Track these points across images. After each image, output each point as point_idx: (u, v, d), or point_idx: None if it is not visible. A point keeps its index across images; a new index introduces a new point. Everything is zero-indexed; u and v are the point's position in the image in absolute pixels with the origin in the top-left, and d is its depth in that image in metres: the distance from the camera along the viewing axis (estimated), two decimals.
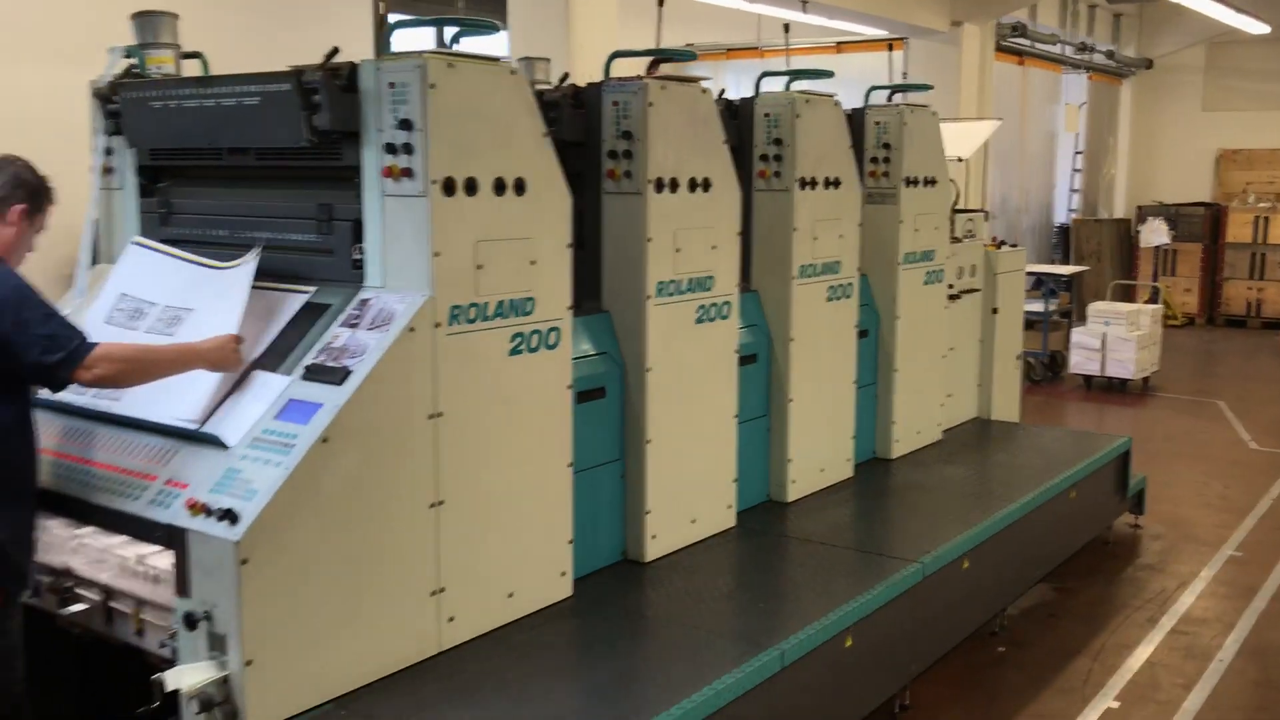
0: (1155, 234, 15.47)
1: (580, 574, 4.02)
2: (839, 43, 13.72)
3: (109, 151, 4.15)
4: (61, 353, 3.05)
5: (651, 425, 4.26)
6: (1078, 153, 16.78)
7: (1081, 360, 10.97)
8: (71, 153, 4.23)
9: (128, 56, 4.15)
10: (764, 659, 3.51)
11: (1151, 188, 17.70)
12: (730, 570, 4.35)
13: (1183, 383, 11.55)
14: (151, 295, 3.78)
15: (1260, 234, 15.77)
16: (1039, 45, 14.60)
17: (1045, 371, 11.46)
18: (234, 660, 2.95)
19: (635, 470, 4.28)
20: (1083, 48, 15.81)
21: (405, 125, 3.29)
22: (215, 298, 3.65)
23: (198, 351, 3.36)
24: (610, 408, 4.21)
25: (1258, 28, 14.89)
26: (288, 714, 3.04)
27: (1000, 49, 13.73)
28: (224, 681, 2.96)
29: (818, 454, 5.27)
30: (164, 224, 4.05)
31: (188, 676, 2.94)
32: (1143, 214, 16.45)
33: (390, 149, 3.34)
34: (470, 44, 3.60)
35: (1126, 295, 13.70)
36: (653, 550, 4.33)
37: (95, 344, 3.11)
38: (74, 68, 4.39)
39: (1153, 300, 12.85)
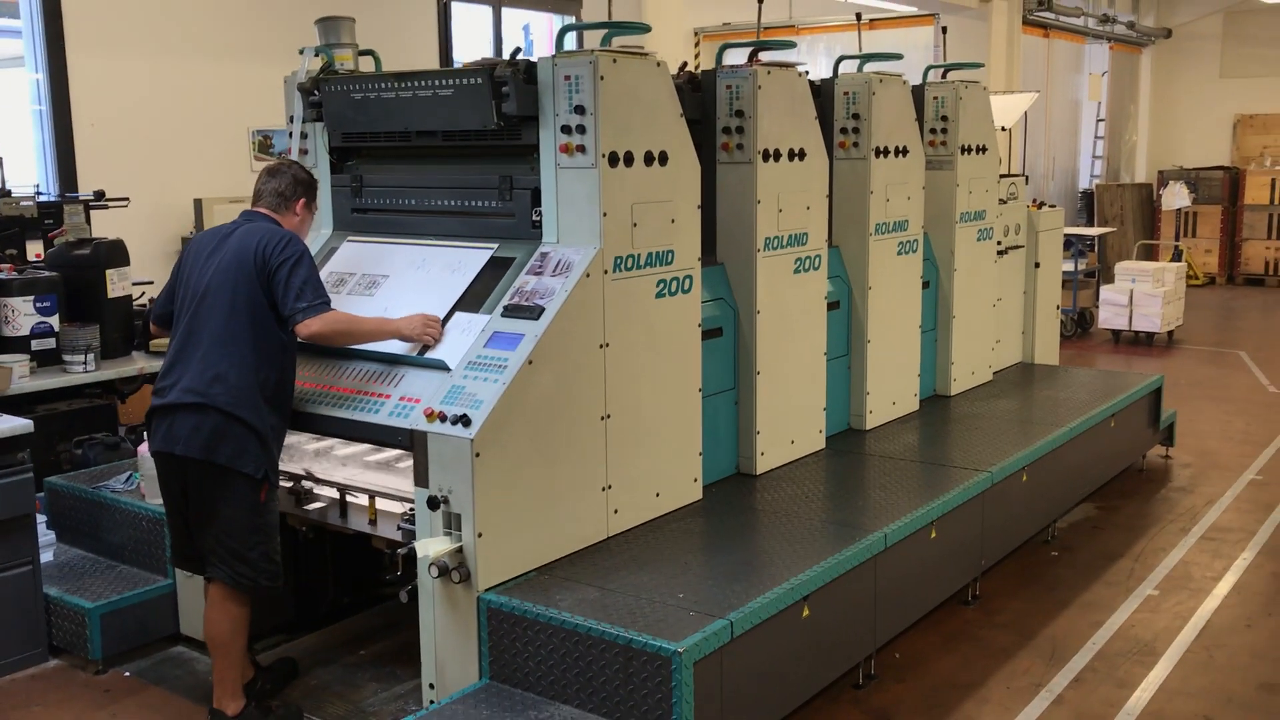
0: (1176, 197, 16.15)
1: (704, 483, 4.81)
2: (870, 20, 14.42)
3: (304, 135, 4.94)
4: (305, 303, 3.87)
5: (760, 360, 5.04)
6: (1100, 120, 17.44)
7: (1110, 315, 11.71)
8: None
9: (317, 55, 4.91)
10: (871, 539, 4.31)
11: (1172, 152, 18.34)
12: (828, 480, 5.14)
13: (1205, 336, 12.28)
14: (352, 269, 4.62)
15: (1278, 195, 16.41)
16: (1063, 18, 15.25)
17: (1075, 327, 12.19)
18: (467, 534, 3.75)
19: (747, 398, 5.07)
20: (1104, 19, 16.45)
21: (579, 110, 4.07)
22: (411, 267, 4.47)
23: (396, 327, 4.13)
24: (726, 345, 4.99)
25: None
26: (506, 577, 3.85)
27: (1026, 22, 14.39)
28: (458, 551, 3.77)
29: (890, 389, 6.05)
30: (355, 195, 4.84)
31: (433, 546, 3.75)
32: (1164, 178, 17.10)
33: (566, 130, 4.11)
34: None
35: (1150, 255, 14.41)
36: (761, 465, 5.12)
37: (332, 309, 3.93)
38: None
39: (1175, 259, 13.54)
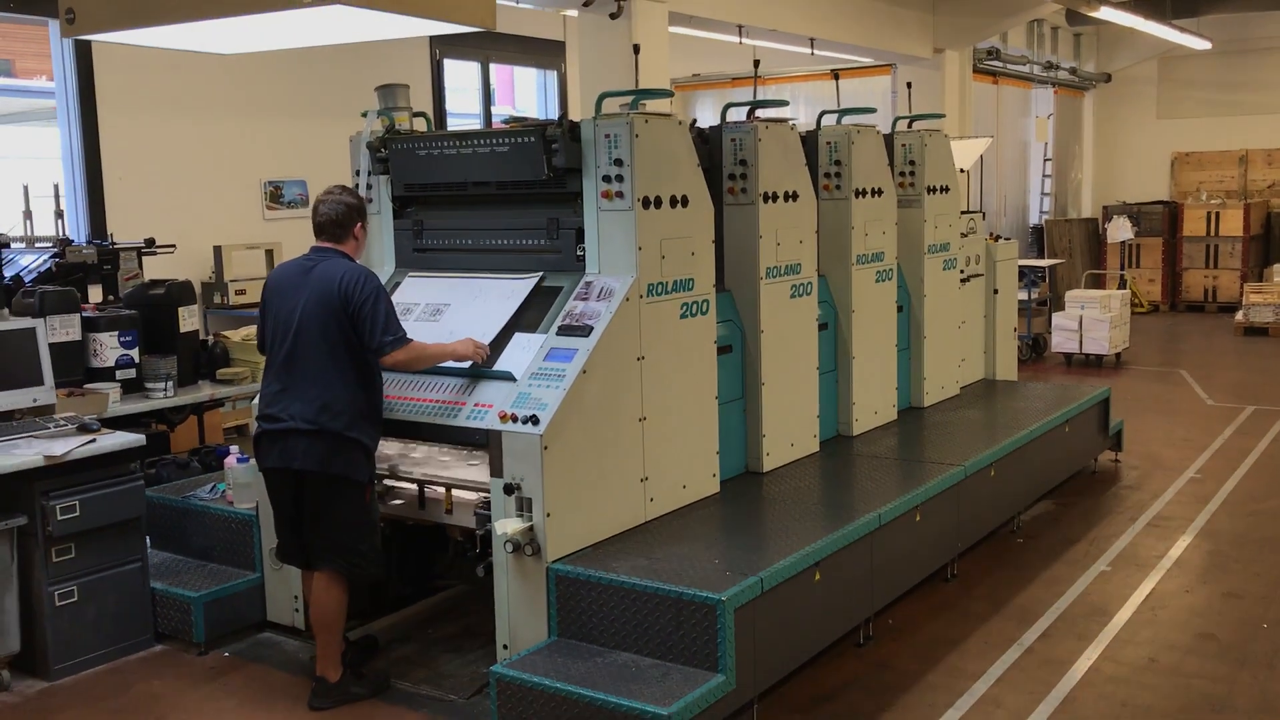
0: (1120, 230, 17.22)
1: (720, 478, 5.59)
2: (833, 70, 15.46)
3: (369, 186, 5.70)
4: (391, 336, 4.59)
5: (764, 373, 5.84)
6: (1047, 160, 18.53)
7: (1062, 340, 12.65)
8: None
9: (380, 118, 5.69)
10: (868, 518, 5.11)
11: (1115, 189, 19.50)
12: (825, 476, 5.94)
13: (1150, 357, 13.26)
14: (416, 299, 5.37)
15: (1213, 228, 17.55)
16: (1010, 66, 16.34)
17: (1030, 352, 13.10)
18: (537, 515, 4.51)
19: (753, 406, 5.86)
20: (1049, 66, 17.58)
21: (618, 163, 4.87)
22: (469, 297, 5.24)
23: (454, 350, 4.85)
24: (735, 360, 5.79)
25: (1201, 44, 16.70)
26: (568, 551, 4.60)
27: (977, 70, 15.44)
28: (530, 529, 4.52)
29: (873, 400, 6.87)
30: (417, 237, 5.62)
31: (510, 526, 4.50)
32: (1108, 213, 18.19)
33: (606, 179, 4.92)
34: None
35: (1098, 284, 15.44)
36: (767, 464, 5.90)
37: (410, 339, 4.66)
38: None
39: (1121, 288, 14.56)
